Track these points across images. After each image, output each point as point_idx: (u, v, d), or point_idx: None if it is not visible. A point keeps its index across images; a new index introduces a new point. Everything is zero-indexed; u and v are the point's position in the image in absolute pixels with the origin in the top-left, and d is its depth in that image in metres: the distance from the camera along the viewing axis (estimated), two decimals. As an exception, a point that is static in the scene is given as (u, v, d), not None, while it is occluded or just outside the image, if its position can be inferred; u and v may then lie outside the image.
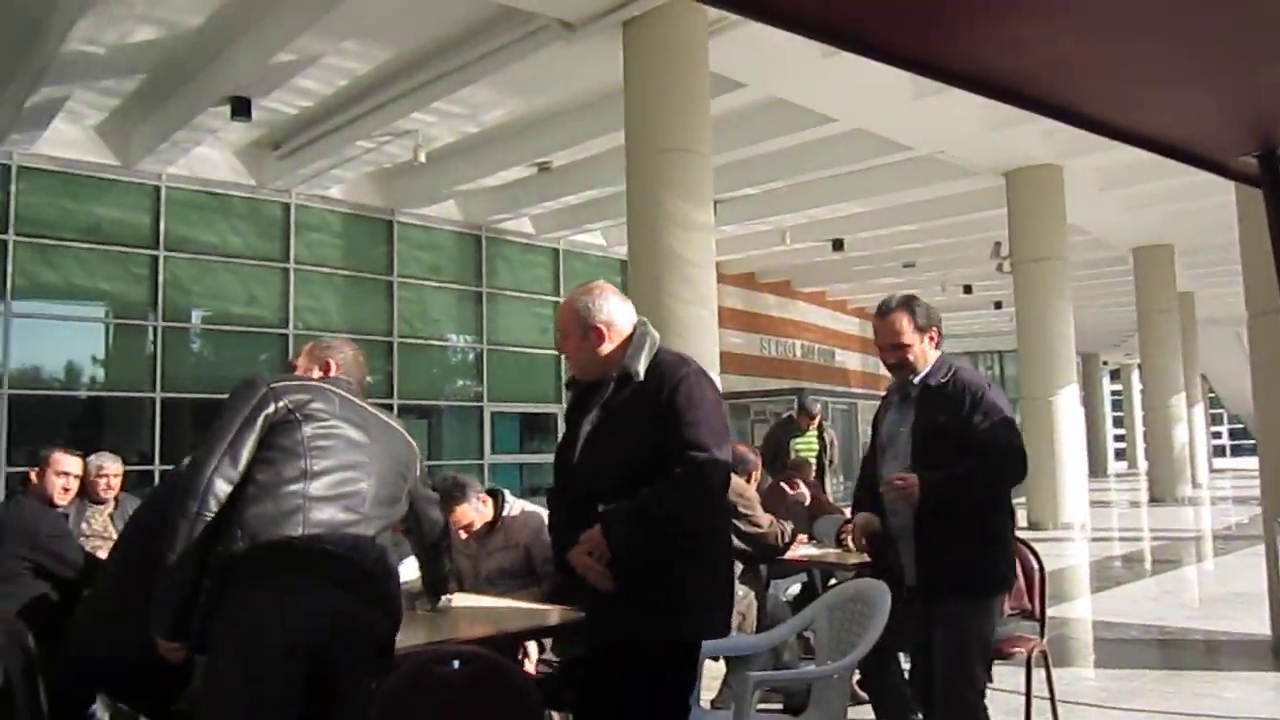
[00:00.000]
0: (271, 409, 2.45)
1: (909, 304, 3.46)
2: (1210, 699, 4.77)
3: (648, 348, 2.69)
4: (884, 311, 3.47)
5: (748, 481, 4.62)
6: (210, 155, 13.42)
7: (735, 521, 4.38)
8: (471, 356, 16.88)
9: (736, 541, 4.36)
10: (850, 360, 26.23)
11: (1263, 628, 6.25)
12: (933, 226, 17.28)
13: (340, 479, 2.43)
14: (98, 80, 10.82)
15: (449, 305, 16.72)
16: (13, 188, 12.19)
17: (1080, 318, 15.10)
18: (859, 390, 25.06)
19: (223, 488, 2.35)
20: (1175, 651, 6.19)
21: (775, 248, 18.24)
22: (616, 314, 2.72)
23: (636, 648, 2.42)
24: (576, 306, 2.75)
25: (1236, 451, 57.17)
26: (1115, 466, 38.96)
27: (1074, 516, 13.90)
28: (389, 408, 15.47)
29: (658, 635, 2.41)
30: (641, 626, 2.42)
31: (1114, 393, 42.95)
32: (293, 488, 2.35)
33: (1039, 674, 4.21)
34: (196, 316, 14.04)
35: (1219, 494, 22.97)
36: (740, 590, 4.27)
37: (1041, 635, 4.26)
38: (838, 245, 18.08)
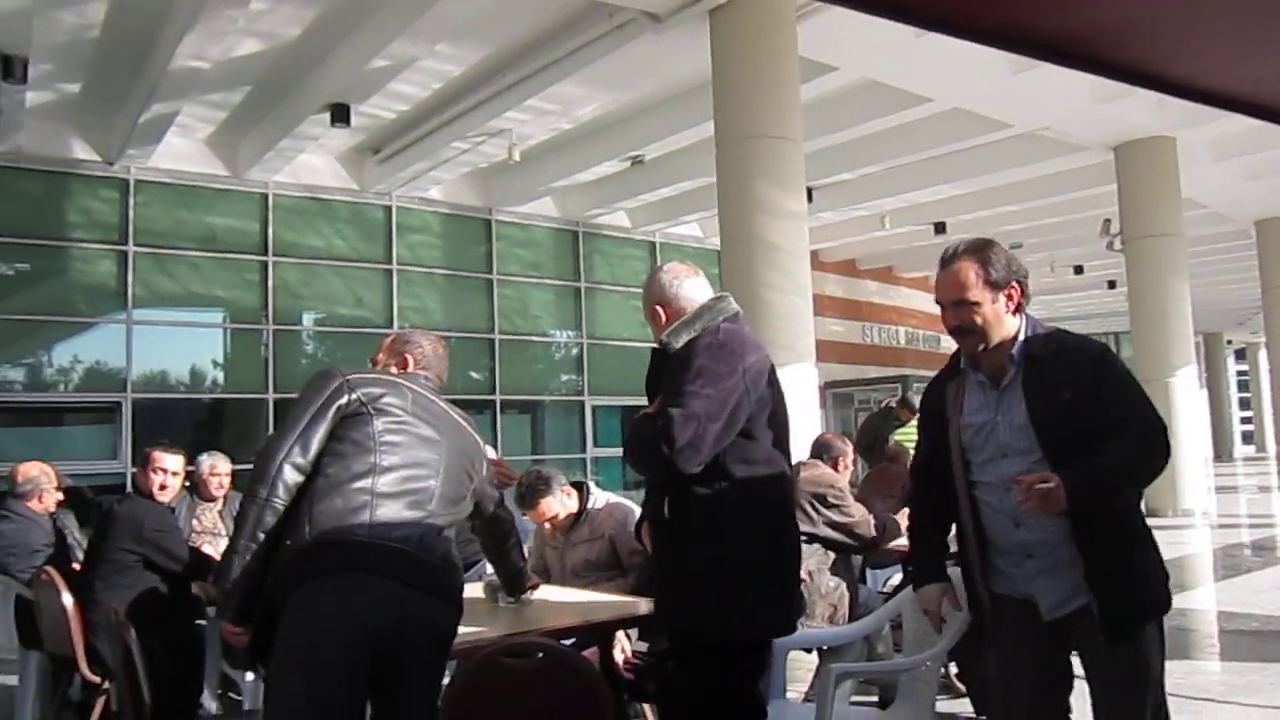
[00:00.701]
0: (344, 400, 2.47)
1: (980, 250, 2.65)
2: (1338, 693, 4.53)
3: (700, 322, 2.75)
4: (947, 260, 2.66)
5: (836, 469, 4.55)
6: (314, 162, 13.84)
7: (825, 511, 4.32)
8: (572, 351, 17.03)
9: (828, 532, 4.31)
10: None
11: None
12: (1038, 206, 16.76)
13: (408, 475, 2.43)
14: (206, 94, 11.24)
15: (548, 301, 16.89)
16: (131, 200, 12.77)
17: (1200, 295, 14.47)
18: (966, 376, 24.47)
19: (292, 476, 2.37)
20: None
21: (875, 233, 17.95)
22: (682, 292, 2.86)
23: (699, 638, 2.41)
24: (648, 284, 2.99)
25: (1377, 432, 54.08)
26: (1242, 450, 37.26)
27: (1195, 503, 13.34)
28: (491, 404, 15.74)
29: (710, 628, 2.41)
30: (692, 619, 2.41)
31: (1240, 373, 41.02)
32: (361, 483, 2.35)
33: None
34: (306, 319, 14.48)
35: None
36: (831, 581, 4.21)
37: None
38: (939, 229, 17.68)
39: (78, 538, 5.39)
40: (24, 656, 4.54)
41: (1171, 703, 4.20)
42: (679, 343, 2.70)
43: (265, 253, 13.69)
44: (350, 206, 14.76)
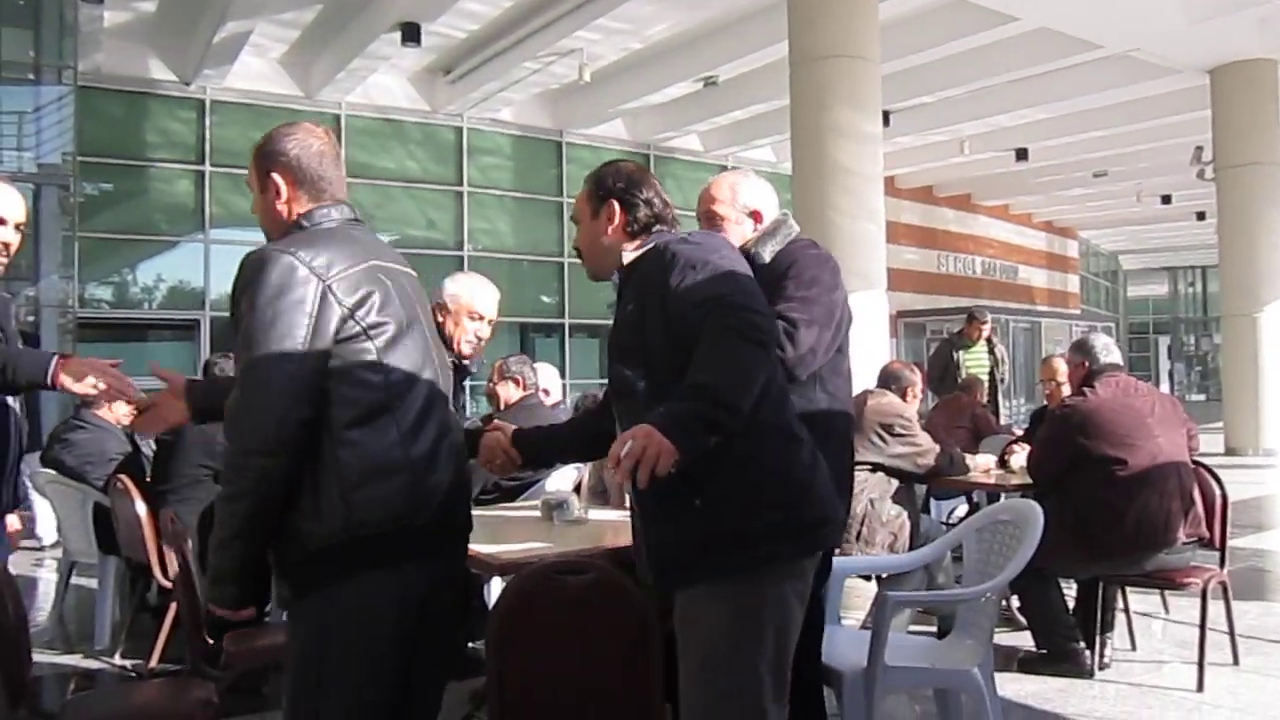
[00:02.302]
0: (337, 318, 1.95)
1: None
2: None
3: (782, 233, 2.69)
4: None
5: (904, 399, 4.47)
6: (386, 83, 13.83)
7: (892, 441, 4.26)
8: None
9: (894, 461, 4.26)
10: (1035, 277, 25.05)
11: None
12: (1126, 132, 16.14)
13: (424, 409, 2.00)
14: (278, 13, 11.25)
15: (618, 225, 16.78)
16: (207, 120, 12.92)
17: (1292, 227, 13.84)
18: (1044, 308, 23.98)
19: (302, 437, 1.89)
20: (1383, 587, 5.72)
21: (954, 159, 17.49)
22: (768, 201, 2.75)
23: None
24: (728, 187, 2.78)
25: None
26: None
27: (1277, 442, 12.94)
28: (560, 328, 15.81)
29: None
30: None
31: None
32: (395, 452, 1.93)
33: (1217, 607, 3.95)
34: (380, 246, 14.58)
35: None
36: (893, 510, 4.16)
37: (1221, 565, 3.99)
38: (1021, 155, 17.17)
39: (153, 447, 5.54)
40: (103, 561, 4.71)
41: (1243, 644, 4.14)
42: (767, 252, 2.64)
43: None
44: (422, 128, 14.78)
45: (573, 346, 16.05)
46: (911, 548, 4.15)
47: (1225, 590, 4.01)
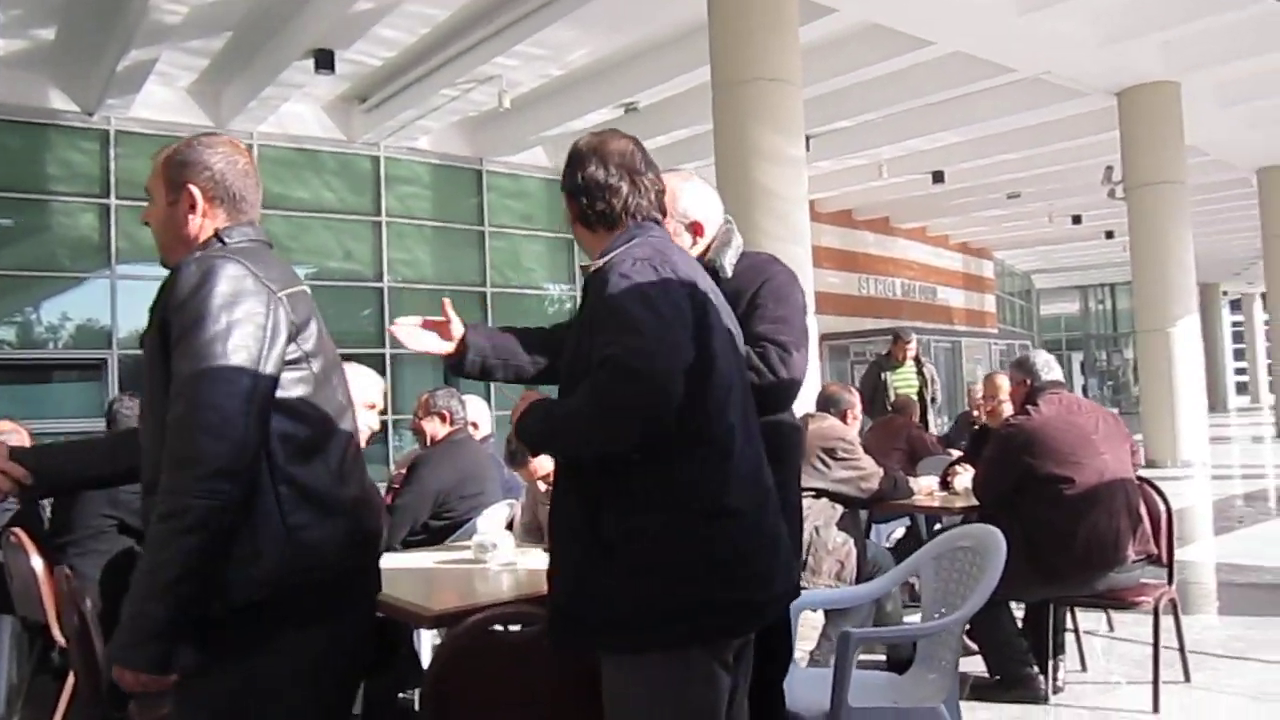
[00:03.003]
0: (285, 337, 1.80)
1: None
2: (1360, 649, 4.39)
3: (736, 242, 2.53)
4: None
5: (844, 422, 4.37)
6: (299, 111, 13.49)
7: (835, 465, 4.14)
8: (565, 304, 16.78)
9: (837, 486, 4.14)
10: (953, 297, 25.45)
11: None
12: (1038, 154, 16.48)
13: (347, 438, 1.86)
14: (185, 40, 10.87)
15: (541, 253, 16.63)
16: (112, 151, 12.44)
17: (1198, 246, 14.23)
18: (963, 328, 24.36)
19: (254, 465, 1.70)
20: (1316, 598, 5.76)
21: (872, 182, 17.66)
22: (714, 209, 2.55)
23: None
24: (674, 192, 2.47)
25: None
26: (1236, 401, 37.28)
27: (1194, 454, 13.22)
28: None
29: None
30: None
31: (1235, 324, 40.97)
32: (334, 488, 1.78)
33: (1167, 622, 3.90)
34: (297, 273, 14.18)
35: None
36: (839, 537, 4.04)
37: (1170, 581, 3.94)
38: (938, 177, 17.42)
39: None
40: (-2, 620, 4.37)
41: (1191, 659, 4.09)
42: (728, 264, 2.46)
43: (251, 205, 13.35)
44: (338, 157, 14.44)
45: (498, 377, 15.77)
46: (859, 575, 4.03)
47: (1175, 607, 3.96)
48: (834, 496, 4.14)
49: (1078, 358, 35.62)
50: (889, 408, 7.65)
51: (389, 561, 3.24)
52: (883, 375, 8.39)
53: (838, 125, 14.62)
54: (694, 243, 2.48)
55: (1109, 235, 23.45)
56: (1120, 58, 12.13)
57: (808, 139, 13.78)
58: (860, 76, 12.64)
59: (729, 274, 2.44)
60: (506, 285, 15.94)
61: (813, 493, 4.09)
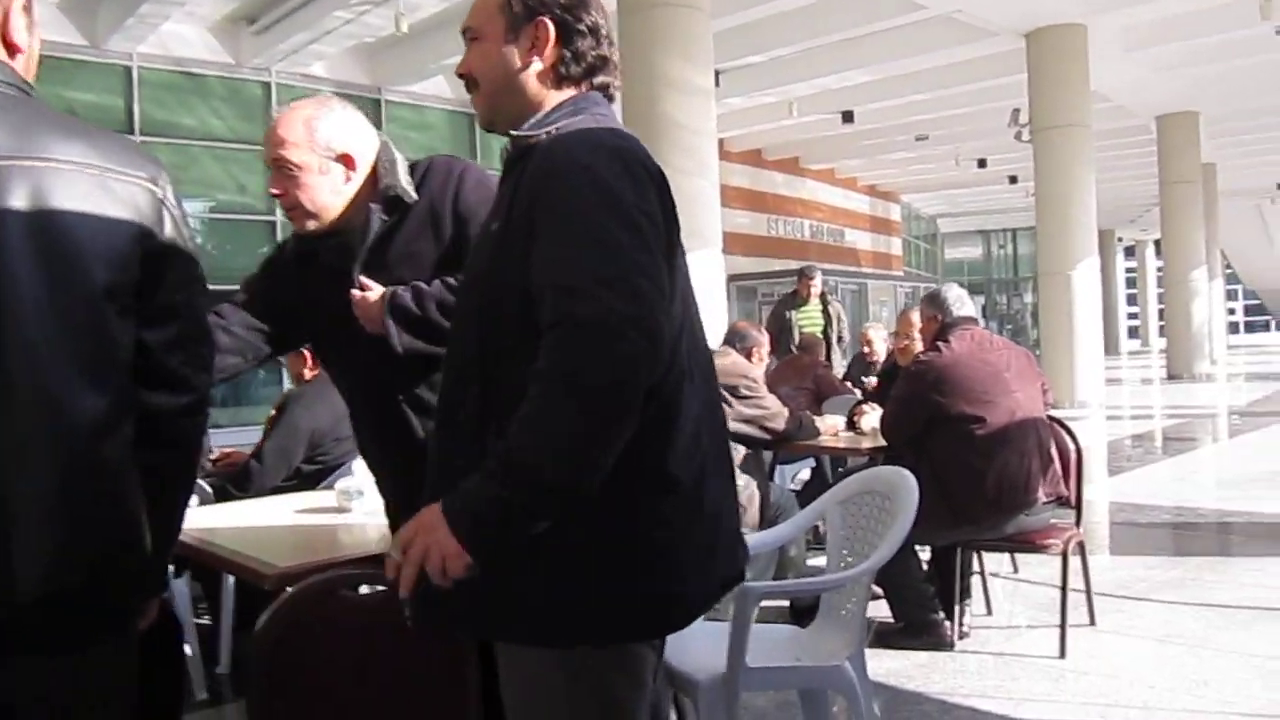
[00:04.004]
0: None
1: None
2: (1257, 589, 4.37)
3: (401, 162, 2.09)
4: None
5: (750, 360, 4.14)
6: (183, 32, 12.67)
7: (738, 404, 3.92)
8: (468, 241, 16.31)
9: (739, 426, 3.92)
10: (860, 240, 25.57)
11: (1303, 508, 5.86)
12: (947, 95, 16.45)
13: None
14: (50, -53, 10.05)
15: (443, 188, 16.07)
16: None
17: (1097, 192, 14.38)
18: (869, 270, 24.49)
19: None
20: (1212, 536, 5.79)
21: (783, 121, 17.47)
22: (347, 135, 2.07)
23: None
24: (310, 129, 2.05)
25: (1250, 328, 56.66)
26: (1128, 344, 38.53)
27: (1090, 395, 13.47)
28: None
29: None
30: None
31: (1129, 269, 42.22)
32: None
33: (1072, 564, 3.79)
34: (184, 207, 13.43)
35: (1235, 370, 22.53)
36: (741, 480, 3.83)
37: (1078, 523, 3.84)
38: (847, 117, 17.27)
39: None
40: None
41: (1096, 601, 4.02)
42: (406, 183, 2.05)
43: (132, 132, 12.53)
44: (226, 82, 13.63)
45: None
46: (762, 520, 3.84)
47: (1083, 550, 3.86)
48: (736, 437, 3.92)
49: (979, 301, 36.32)
50: (794, 347, 7.48)
51: (238, 512, 2.92)
52: (788, 314, 8.21)
53: (749, 60, 14.34)
54: (347, 179, 2.06)
55: (1013, 180, 23.70)
56: (1030, -2, 12.08)
57: (718, 74, 13.51)
58: (772, 9, 12.36)
59: (415, 195, 2.05)
60: (407, 220, 15.37)
61: (715, 433, 3.88)
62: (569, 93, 1.55)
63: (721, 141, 19.61)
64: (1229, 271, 41.68)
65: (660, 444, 1.37)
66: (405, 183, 2.04)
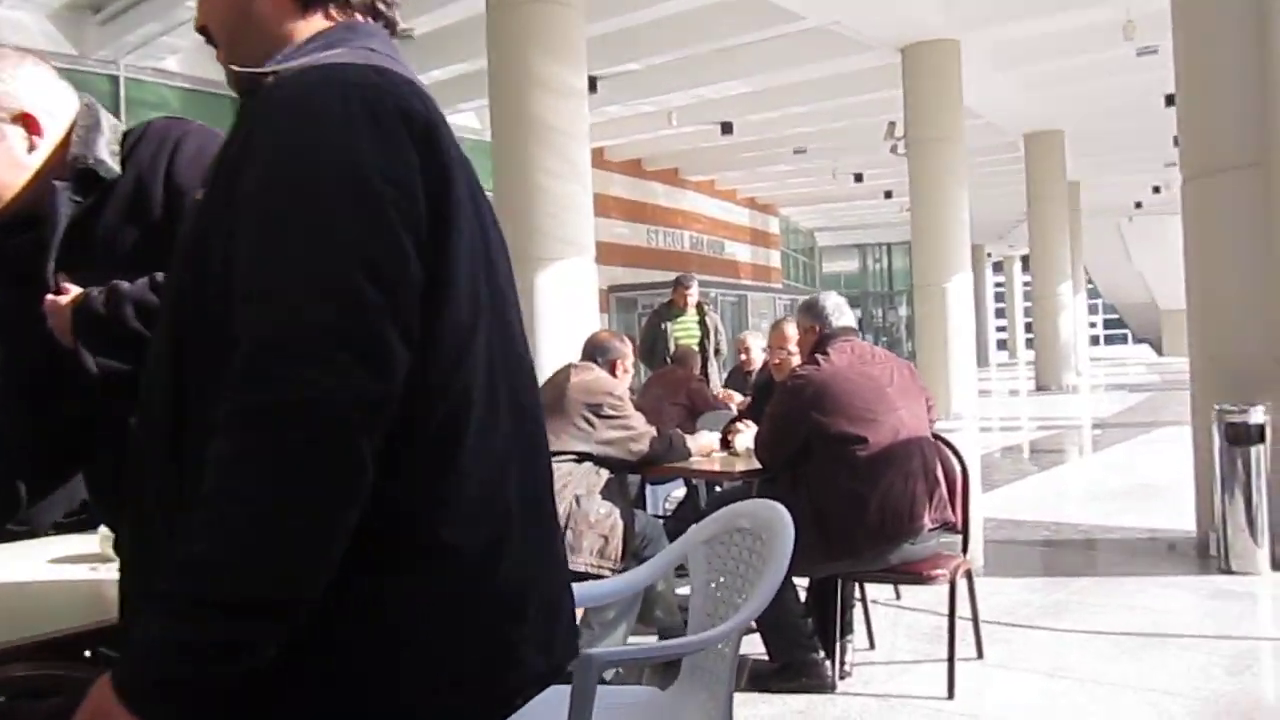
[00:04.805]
0: None
1: None
2: (1145, 611, 4.20)
3: (108, 128, 1.70)
4: None
5: (614, 374, 3.77)
6: (20, 19, 11.72)
7: (601, 424, 3.54)
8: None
9: (602, 449, 3.55)
10: (741, 252, 25.61)
11: (1177, 522, 5.78)
12: (825, 108, 16.51)
13: None
14: None
15: (308, 193, 15.33)
16: None
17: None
18: (749, 282, 24.52)
19: None
20: (1092, 554, 5.66)
21: (662, 130, 17.25)
22: (28, 91, 1.65)
23: None
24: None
25: (1109, 340, 59.24)
26: (997, 356, 39.68)
27: (964, 406, 13.56)
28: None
29: None
30: None
31: (997, 284, 43.57)
32: None
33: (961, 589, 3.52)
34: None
35: (1098, 382, 23.25)
36: (602, 508, 3.45)
37: (964, 550, 3.57)
38: (727, 129, 17.15)
39: None
40: None
41: (982, 630, 3.78)
42: (107, 153, 1.66)
43: (-43, 124, 11.54)
44: (69, 75, 12.40)
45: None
46: (624, 551, 3.47)
47: (970, 578, 3.60)
48: (599, 460, 3.55)
49: (856, 313, 36.83)
50: (669, 359, 7.15)
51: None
52: (663, 325, 7.87)
53: (627, 67, 14.05)
54: (31, 148, 1.63)
55: (888, 195, 24.05)
56: (904, 12, 12.12)
57: (596, 80, 13.20)
58: (649, 15, 12.10)
59: (116, 168, 1.64)
60: (269, 226, 14.59)
61: (574, 456, 3.49)
62: (323, 23, 1.14)
63: (601, 150, 19.38)
64: (1090, 286, 43.40)
65: (426, 501, 0.95)
66: (106, 153, 1.60)
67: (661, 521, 5.09)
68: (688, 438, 4.10)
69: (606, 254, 19.76)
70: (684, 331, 7.82)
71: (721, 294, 21.40)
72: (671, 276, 18.42)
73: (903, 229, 15.89)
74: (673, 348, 7.46)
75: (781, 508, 2.12)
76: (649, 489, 5.26)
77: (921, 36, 13.09)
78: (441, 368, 0.92)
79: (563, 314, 7.72)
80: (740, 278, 24.72)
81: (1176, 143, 5.62)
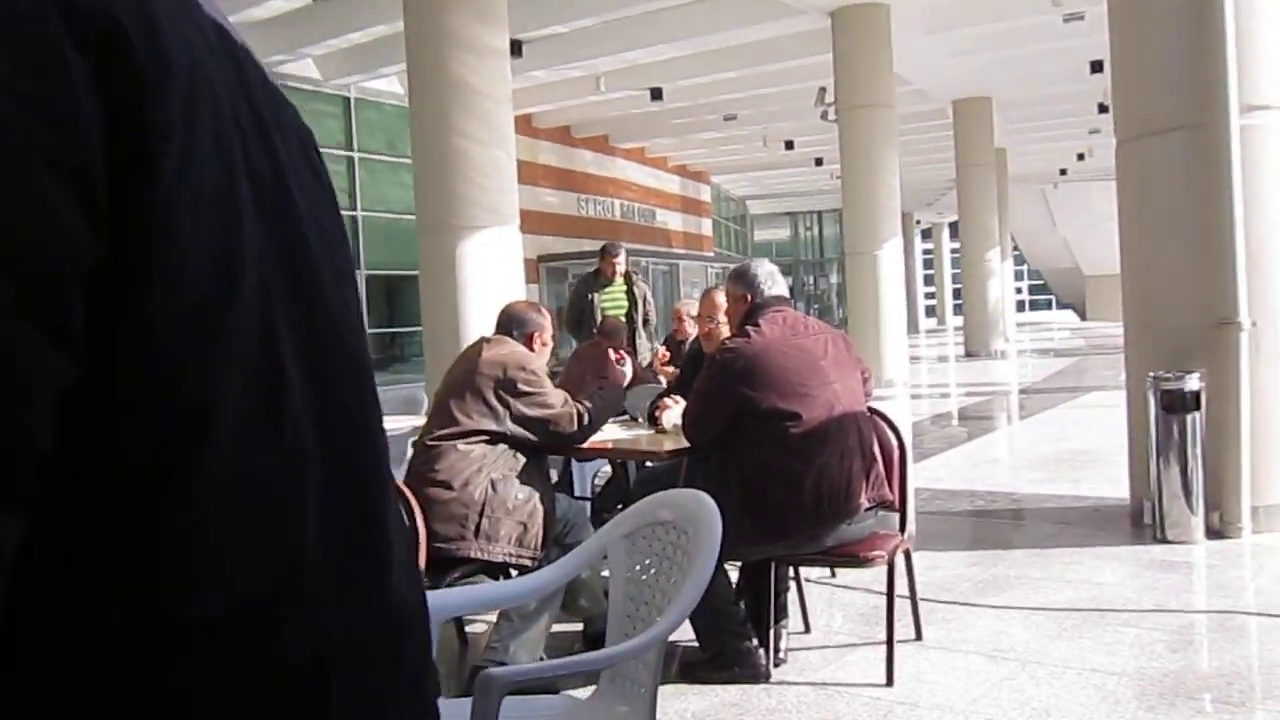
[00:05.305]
0: None
1: None
2: (1084, 585, 4.10)
3: None
4: None
5: (530, 348, 3.52)
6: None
7: (515, 402, 3.30)
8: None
9: (516, 429, 3.31)
10: (672, 220, 25.39)
11: (1110, 490, 5.73)
12: (755, 74, 16.29)
13: None
14: None
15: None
16: None
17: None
18: (681, 251, 24.33)
19: None
20: (1027, 525, 5.57)
21: (590, 97, 16.91)
22: None
23: None
24: None
25: (1034, 306, 60.31)
26: (926, 323, 40.12)
27: (896, 374, 13.55)
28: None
29: None
30: None
31: (925, 251, 43.98)
32: None
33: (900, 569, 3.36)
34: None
35: (1024, 347, 23.54)
36: (521, 493, 3.22)
37: (902, 529, 3.41)
38: (656, 95, 16.87)
39: None
40: None
41: (920, 609, 3.64)
42: None
43: None
44: None
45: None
46: (545, 538, 3.24)
47: (909, 558, 3.44)
48: (515, 442, 3.31)
49: (787, 281, 37.05)
50: (595, 330, 6.89)
51: None
52: (590, 295, 7.59)
53: (552, 30, 13.69)
54: None
55: (818, 162, 24.00)
56: (834, -28, 11.93)
57: (520, 44, 12.86)
58: (574, -26, 11.76)
59: None
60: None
61: (486, 437, 3.24)
62: None
63: (529, 117, 18.98)
64: (1016, 253, 44.04)
65: (142, 566, 0.62)
66: None
67: (588, 503, 4.87)
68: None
69: (536, 223, 19.45)
70: (611, 302, 7.56)
71: (653, 263, 21.21)
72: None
73: (834, 197, 15.82)
74: (600, 319, 7.20)
75: (707, 498, 1.91)
76: (575, 466, 5.04)
77: (851, 0, 12.92)
78: (154, 375, 0.60)
79: (487, 285, 7.45)
80: (672, 246, 24.52)
81: (1103, 109, 5.51)
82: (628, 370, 3.73)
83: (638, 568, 1.99)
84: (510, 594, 2.26)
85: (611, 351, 3.81)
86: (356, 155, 16.26)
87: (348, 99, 16.14)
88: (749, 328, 3.25)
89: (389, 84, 15.99)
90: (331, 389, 0.73)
